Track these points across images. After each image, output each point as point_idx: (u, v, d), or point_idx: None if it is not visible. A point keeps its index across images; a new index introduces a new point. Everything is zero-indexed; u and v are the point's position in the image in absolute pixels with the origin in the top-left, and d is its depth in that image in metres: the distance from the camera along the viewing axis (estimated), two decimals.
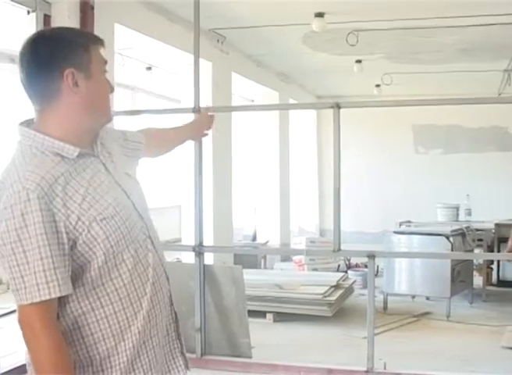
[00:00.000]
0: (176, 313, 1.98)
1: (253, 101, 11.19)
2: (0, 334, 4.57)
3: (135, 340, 1.77)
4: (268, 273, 7.94)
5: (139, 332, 1.77)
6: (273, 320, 6.43)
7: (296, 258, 8.82)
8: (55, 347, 1.65)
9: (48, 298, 1.62)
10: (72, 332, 1.73)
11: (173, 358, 1.95)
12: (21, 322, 1.66)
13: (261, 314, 6.38)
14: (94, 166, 1.81)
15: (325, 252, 8.06)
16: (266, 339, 5.69)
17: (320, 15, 6.57)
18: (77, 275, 1.71)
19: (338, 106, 4.66)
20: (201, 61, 5.23)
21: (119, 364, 1.75)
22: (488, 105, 8.99)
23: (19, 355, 4.89)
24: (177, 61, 7.43)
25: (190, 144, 6.48)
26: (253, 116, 10.67)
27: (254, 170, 10.98)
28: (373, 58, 8.77)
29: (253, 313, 5.66)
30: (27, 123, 1.81)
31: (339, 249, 4.82)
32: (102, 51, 1.85)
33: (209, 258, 6.27)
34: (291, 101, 10.84)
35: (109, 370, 1.75)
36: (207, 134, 3.10)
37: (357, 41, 7.31)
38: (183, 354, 1.98)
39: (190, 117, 4.94)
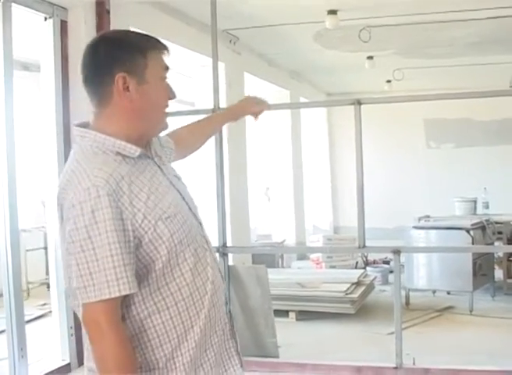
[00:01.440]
0: (230, 312, 1.98)
1: None
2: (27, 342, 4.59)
3: (197, 339, 1.77)
4: (287, 271, 7.94)
5: (201, 331, 1.77)
6: (296, 319, 6.44)
7: (313, 256, 8.82)
8: (122, 344, 1.64)
9: (117, 295, 1.62)
10: (138, 335, 1.73)
11: (229, 358, 1.94)
12: (86, 320, 1.66)
13: (284, 313, 6.37)
14: (150, 168, 1.82)
15: (350, 249, 7.99)
16: (290, 338, 5.68)
17: (333, 12, 6.56)
18: (142, 275, 1.71)
19: (359, 103, 4.67)
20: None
21: (183, 364, 1.75)
22: (500, 98, 8.95)
23: (44, 362, 4.96)
24: (190, 63, 7.43)
25: (208, 146, 6.51)
26: (265, 114, 10.64)
27: (268, 169, 10.97)
28: (385, 54, 8.75)
29: (275, 312, 5.63)
30: (83, 125, 1.82)
31: (364, 246, 4.80)
32: (165, 57, 1.84)
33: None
34: (302, 99, 10.83)
35: (174, 372, 1.74)
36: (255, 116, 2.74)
37: (370, 38, 7.29)
38: (238, 353, 1.97)
39: None
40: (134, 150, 1.76)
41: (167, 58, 1.86)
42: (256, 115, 2.71)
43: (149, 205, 1.71)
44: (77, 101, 5.02)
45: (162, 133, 2.32)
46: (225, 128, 5.71)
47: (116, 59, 1.77)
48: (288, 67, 10.10)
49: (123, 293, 1.63)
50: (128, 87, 1.77)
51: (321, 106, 12.66)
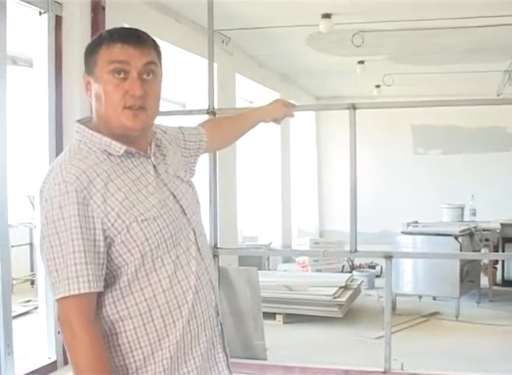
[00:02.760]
0: (221, 325, 1.90)
1: (251, 102, 11.16)
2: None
3: (172, 349, 1.71)
4: (275, 274, 7.91)
5: (177, 342, 1.71)
6: (283, 322, 6.43)
7: (299, 259, 8.81)
8: (94, 345, 1.61)
9: (76, 292, 1.59)
10: (109, 337, 1.70)
11: (219, 373, 1.88)
12: (59, 317, 1.64)
13: (271, 316, 6.35)
14: (142, 167, 1.78)
15: (342, 253, 7.96)
16: (277, 341, 5.66)
17: (327, 16, 6.57)
18: (115, 276, 1.69)
19: (354, 107, 4.65)
20: (207, 62, 5.21)
21: (156, 374, 1.70)
22: (487, 106, 8.97)
23: (29, 360, 4.90)
24: (182, 62, 7.41)
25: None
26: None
27: (256, 172, 10.96)
28: (376, 59, 8.78)
29: (262, 315, 5.64)
30: (85, 121, 1.81)
31: (356, 250, 4.80)
32: (120, 48, 1.71)
33: None
34: (291, 102, 10.82)
35: None
36: (279, 121, 2.64)
37: (362, 42, 7.31)
38: (228, 367, 1.91)
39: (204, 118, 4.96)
40: (119, 148, 1.74)
41: (123, 50, 1.72)
42: (279, 121, 2.65)
43: (125, 205, 1.67)
44: (70, 96, 4.99)
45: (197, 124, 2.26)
46: None
47: (84, 60, 1.79)
48: (278, 70, 10.09)
49: (82, 291, 1.60)
50: (89, 87, 1.77)
51: (315, 110, 12.71)
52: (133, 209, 1.68)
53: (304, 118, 12.75)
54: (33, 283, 7.70)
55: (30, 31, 5.14)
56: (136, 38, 1.74)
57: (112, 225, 1.65)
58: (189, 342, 1.74)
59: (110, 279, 1.68)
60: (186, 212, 1.81)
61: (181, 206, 1.80)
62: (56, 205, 1.62)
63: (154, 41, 1.80)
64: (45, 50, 4.92)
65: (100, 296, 1.67)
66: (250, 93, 10.51)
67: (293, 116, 2.70)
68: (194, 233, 1.81)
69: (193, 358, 1.76)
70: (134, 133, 1.76)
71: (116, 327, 1.69)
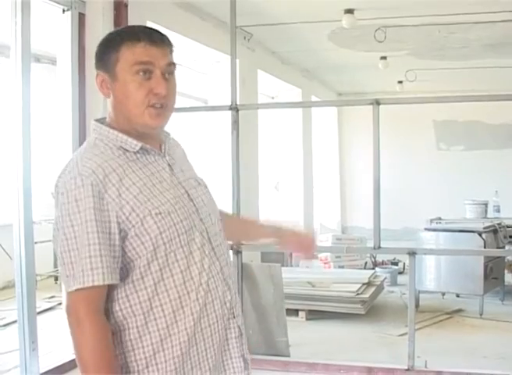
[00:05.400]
0: (239, 328, 1.85)
1: (273, 98, 11.16)
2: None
3: (184, 347, 1.70)
4: (297, 270, 7.89)
5: (189, 339, 1.70)
6: (306, 318, 6.41)
7: (321, 255, 8.79)
8: (99, 337, 1.61)
9: (90, 284, 1.60)
10: (120, 333, 1.69)
11: None
12: (67, 309, 1.64)
13: (294, 312, 6.34)
14: (157, 164, 1.79)
15: (366, 249, 7.91)
16: (300, 337, 5.65)
17: (350, 11, 6.54)
18: (128, 269, 1.69)
19: (377, 103, 4.63)
20: (229, 58, 5.21)
21: (166, 373, 1.69)
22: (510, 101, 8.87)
23: (54, 355, 4.93)
24: (204, 58, 7.41)
25: (223, 143, 6.50)
26: (276, 112, 10.65)
27: (278, 167, 10.96)
28: (399, 54, 8.73)
29: (285, 311, 5.63)
30: (101, 121, 1.83)
31: (379, 246, 4.78)
32: (143, 48, 1.72)
33: None
34: (313, 98, 10.82)
35: None
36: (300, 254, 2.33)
37: (385, 38, 7.27)
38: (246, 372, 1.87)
39: (227, 114, 4.98)
40: (135, 144, 1.75)
41: (146, 50, 1.73)
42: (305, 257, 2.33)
43: (139, 199, 1.68)
44: (93, 93, 5.01)
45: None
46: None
47: (97, 58, 1.79)
48: (300, 65, 10.09)
49: (96, 283, 1.61)
50: (104, 85, 1.77)
51: (339, 105, 12.67)
52: (148, 203, 1.68)
53: (327, 114, 12.73)
54: (56, 279, 7.75)
55: (53, 29, 5.18)
56: (158, 38, 1.75)
57: (127, 218, 1.66)
58: (201, 341, 1.74)
59: (124, 273, 1.69)
60: (200, 212, 1.81)
61: (195, 205, 1.80)
62: (72, 199, 1.63)
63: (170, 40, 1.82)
64: (68, 47, 4.97)
65: (113, 290, 1.68)
66: (272, 89, 10.50)
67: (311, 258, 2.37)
68: (207, 233, 1.81)
69: (207, 359, 1.75)
70: (155, 130, 1.79)
71: (129, 322, 1.68)
